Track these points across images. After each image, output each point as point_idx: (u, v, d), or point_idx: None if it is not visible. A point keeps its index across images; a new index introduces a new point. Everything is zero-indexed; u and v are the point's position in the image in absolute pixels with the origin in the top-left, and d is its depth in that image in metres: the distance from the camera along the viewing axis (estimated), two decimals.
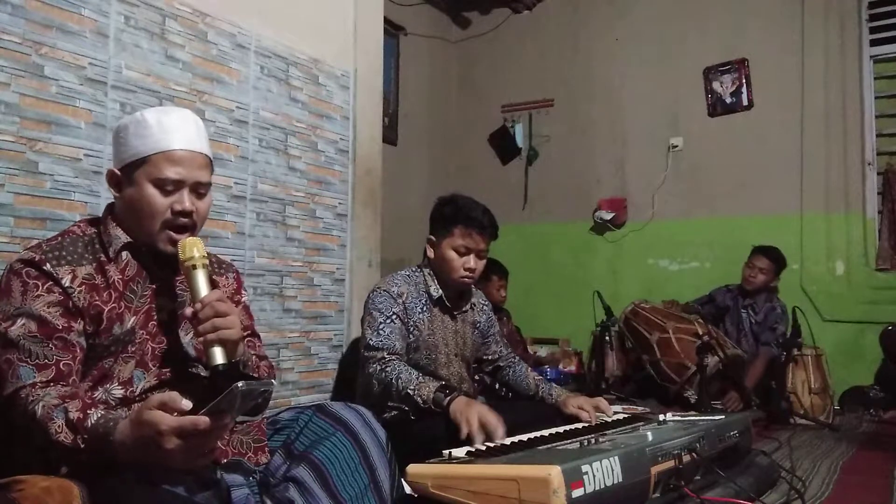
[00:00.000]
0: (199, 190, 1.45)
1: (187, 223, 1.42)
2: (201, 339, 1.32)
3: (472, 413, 1.88)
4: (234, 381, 1.16)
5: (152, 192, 1.39)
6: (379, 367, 2.14)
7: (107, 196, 1.97)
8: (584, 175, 5.12)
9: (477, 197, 2.43)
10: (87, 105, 1.95)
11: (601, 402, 2.33)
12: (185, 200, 1.41)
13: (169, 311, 1.47)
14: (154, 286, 1.46)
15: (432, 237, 2.37)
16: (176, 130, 1.41)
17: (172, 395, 1.16)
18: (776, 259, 4.10)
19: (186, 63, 2.23)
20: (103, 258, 1.42)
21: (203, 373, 1.49)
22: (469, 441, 1.82)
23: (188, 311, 1.34)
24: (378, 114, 3.05)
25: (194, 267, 1.34)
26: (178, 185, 1.41)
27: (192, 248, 1.35)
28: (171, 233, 1.41)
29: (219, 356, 1.31)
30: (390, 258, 3.69)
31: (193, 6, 2.26)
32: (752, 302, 4.17)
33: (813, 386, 3.57)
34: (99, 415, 1.21)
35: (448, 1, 5.49)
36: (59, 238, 1.42)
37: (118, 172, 1.43)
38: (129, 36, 2.06)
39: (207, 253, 1.42)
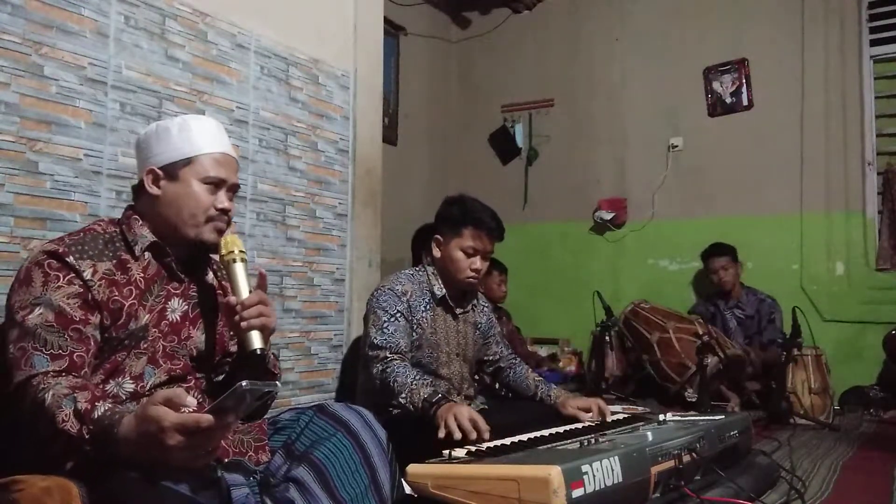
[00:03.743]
0: (233, 191, 1.56)
1: (226, 220, 1.53)
2: (244, 323, 1.43)
3: (450, 415, 1.88)
4: (266, 367, 1.26)
5: (200, 188, 1.49)
6: (381, 367, 2.15)
7: (107, 196, 1.98)
8: (584, 175, 5.12)
9: (477, 197, 2.45)
10: (87, 105, 1.95)
11: (600, 402, 2.33)
12: (225, 200, 1.53)
13: (182, 311, 1.53)
14: (170, 287, 1.51)
15: (439, 237, 2.38)
16: (216, 137, 1.54)
17: (178, 392, 1.17)
18: (727, 250, 4.25)
19: (186, 63, 2.23)
20: (125, 256, 1.46)
21: (202, 371, 1.54)
22: (447, 441, 1.81)
23: (232, 299, 1.46)
24: (378, 114, 3.05)
25: (234, 260, 1.48)
26: (221, 184, 1.52)
27: (234, 244, 1.49)
28: (217, 223, 1.51)
29: (258, 340, 1.44)
30: (390, 258, 3.69)
31: (193, 6, 2.26)
32: (736, 302, 4.21)
33: (813, 386, 3.57)
34: (106, 407, 1.22)
35: (448, 1, 5.49)
36: (81, 234, 1.45)
37: (159, 171, 1.49)
38: (129, 36, 2.06)
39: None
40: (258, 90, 2.48)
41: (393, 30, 4.79)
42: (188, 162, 1.49)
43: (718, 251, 4.25)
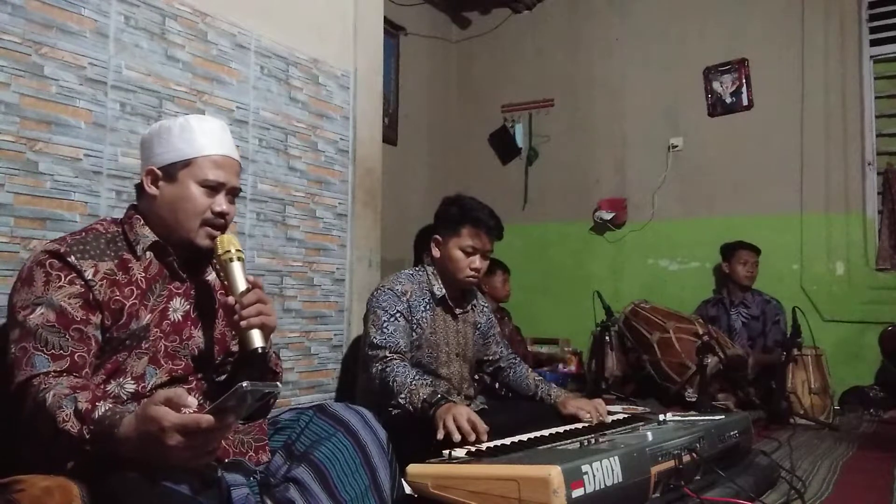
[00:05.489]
0: (233, 194, 1.55)
1: (222, 224, 1.51)
2: (243, 322, 1.42)
3: (449, 416, 1.88)
4: (268, 366, 1.26)
5: (197, 191, 1.48)
6: (380, 367, 2.15)
7: (107, 196, 1.98)
8: (584, 175, 5.12)
9: (477, 197, 2.45)
10: (87, 105, 1.94)
11: (600, 404, 2.33)
12: (224, 203, 1.51)
13: (184, 311, 1.52)
14: (172, 286, 1.51)
15: (438, 237, 2.39)
16: (218, 138, 1.53)
17: (178, 392, 1.17)
18: (755, 247, 4.25)
19: (186, 63, 2.23)
20: (126, 255, 1.46)
21: (203, 372, 1.53)
22: (447, 441, 1.81)
23: (230, 299, 1.44)
24: (378, 114, 3.05)
25: (231, 260, 1.46)
26: (220, 187, 1.51)
27: (230, 243, 1.48)
28: (210, 229, 1.50)
29: (259, 339, 1.42)
30: (390, 258, 3.69)
31: (193, 6, 2.26)
32: (742, 299, 4.20)
33: (813, 386, 3.57)
34: (107, 407, 1.22)
35: (448, 1, 5.49)
36: (83, 234, 1.46)
37: (158, 171, 1.48)
38: (129, 36, 2.06)
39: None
40: (258, 90, 2.48)
41: (393, 30, 4.80)
42: (187, 164, 1.48)
43: (748, 245, 4.25)
